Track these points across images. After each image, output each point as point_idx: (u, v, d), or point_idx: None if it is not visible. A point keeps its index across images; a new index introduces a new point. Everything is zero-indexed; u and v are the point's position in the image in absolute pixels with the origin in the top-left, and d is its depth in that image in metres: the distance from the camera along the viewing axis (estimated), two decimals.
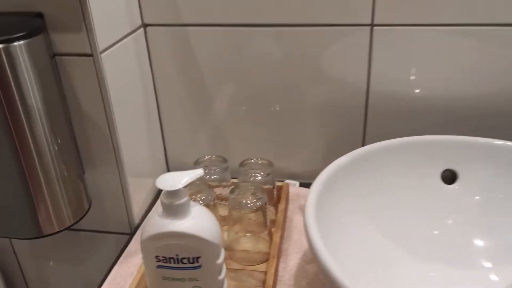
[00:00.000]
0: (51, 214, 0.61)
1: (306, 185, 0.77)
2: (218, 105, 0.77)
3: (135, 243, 0.68)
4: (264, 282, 0.59)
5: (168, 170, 0.84)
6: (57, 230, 0.63)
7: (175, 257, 0.47)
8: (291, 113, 0.76)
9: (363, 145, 0.76)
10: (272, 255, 0.59)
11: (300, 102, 0.75)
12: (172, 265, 0.48)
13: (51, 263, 0.82)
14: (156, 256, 0.48)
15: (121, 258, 0.66)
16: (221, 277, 0.50)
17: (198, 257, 0.48)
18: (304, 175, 0.80)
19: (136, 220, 0.72)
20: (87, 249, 0.76)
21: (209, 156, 0.69)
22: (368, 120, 0.74)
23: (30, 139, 0.57)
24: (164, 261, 0.48)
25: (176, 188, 0.45)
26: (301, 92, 0.74)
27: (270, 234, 0.63)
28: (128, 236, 0.71)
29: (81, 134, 0.64)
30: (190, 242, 0.47)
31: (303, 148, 0.79)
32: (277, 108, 0.76)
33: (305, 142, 0.78)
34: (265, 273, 0.61)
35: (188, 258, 0.48)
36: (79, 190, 0.64)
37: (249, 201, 0.60)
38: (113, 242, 0.73)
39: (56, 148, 0.59)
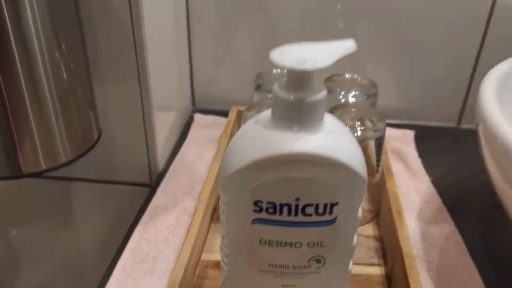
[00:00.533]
0: (37, 143, 0.38)
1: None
2: (264, 18, 0.55)
3: (163, 197, 0.46)
4: (378, 250, 0.39)
5: (194, 104, 0.62)
6: (44, 167, 0.39)
7: (292, 203, 0.26)
8: (362, 32, 0.55)
9: (472, 78, 0.56)
10: (395, 211, 0.38)
11: (374, 18, 0.54)
12: (283, 218, 0.27)
13: (20, 228, 0.58)
14: (256, 203, 0.26)
15: (144, 218, 0.44)
16: (354, 242, 0.30)
17: (334, 204, 0.26)
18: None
19: (160, 167, 0.50)
20: (83, 206, 0.53)
21: (277, 70, 0.47)
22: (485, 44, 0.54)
23: (10, 31, 0.33)
24: (271, 210, 0.26)
25: (323, 65, 0.23)
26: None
27: (370, 183, 0.43)
28: (147, 189, 0.49)
29: (91, 31, 0.41)
30: (327, 175, 0.25)
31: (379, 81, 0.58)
32: (341, 26, 0.55)
33: (382, 72, 0.58)
34: (376, 238, 0.40)
35: (317, 206, 0.26)
36: (84, 113, 0.41)
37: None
38: (126, 196, 0.51)
39: (56, 52, 0.37)
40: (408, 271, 0.32)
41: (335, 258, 0.29)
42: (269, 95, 0.44)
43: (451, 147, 0.54)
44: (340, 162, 0.25)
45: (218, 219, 0.43)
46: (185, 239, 0.35)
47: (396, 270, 0.35)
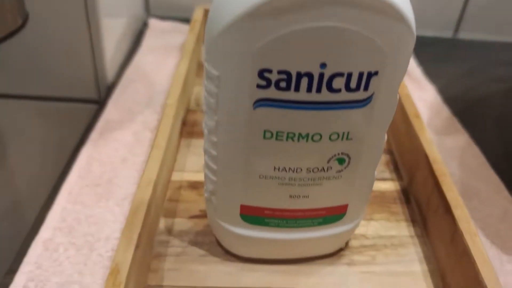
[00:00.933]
0: None
1: None
2: None
3: (115, 111, 0.36)
4: (388, 164, 0.32)
5: (148, 11, 0.51)
6: None
7: (315, 71, 0.18)
8: None
9: None
10: (413, 115, 0.31)
11: None
12: (300, 97, 0.19)
13: None
14: (262, 73, 0.18)
15: (93, 135, 0.34)
16: (386, 137, 0.22)
17: (372, 75, 0.19)
18: None
19: (109, 79, 0.40)
20: (14, 129, 0.43)
21: None
22: None
23: None
24: (283, 85, 0.18)
25: None
26: None
27: None
28: (95, 106, 0.39)
29: None
30: (367, 25, 0.17)
31: None
32: None
33: None
34: (384, 151, 0.33)
35: (349, 76, 0.18)
36: None
37: None
38: (68, 115, 0.41)
39: None
40: (440, 179, 0.26)
41: (363, 158, 0.21)
42: None
43: (449, 57, 0.48)
44: (389, 3, 0.17)
45: (188, 135, 0.34)
46: (151, 150, 0.27)
47: (416, 183, 0.29)
